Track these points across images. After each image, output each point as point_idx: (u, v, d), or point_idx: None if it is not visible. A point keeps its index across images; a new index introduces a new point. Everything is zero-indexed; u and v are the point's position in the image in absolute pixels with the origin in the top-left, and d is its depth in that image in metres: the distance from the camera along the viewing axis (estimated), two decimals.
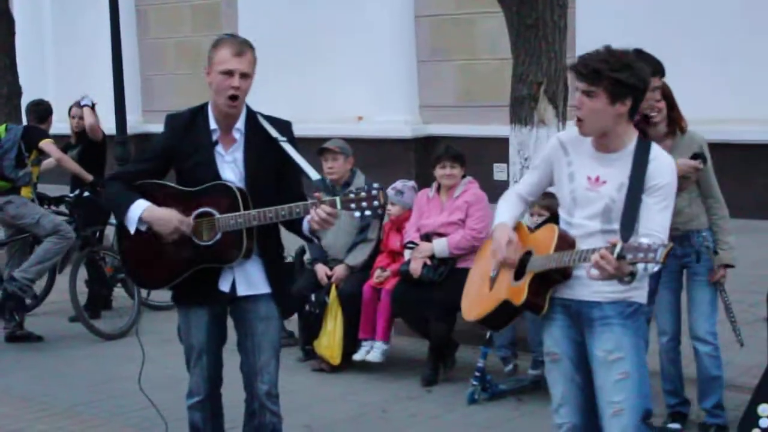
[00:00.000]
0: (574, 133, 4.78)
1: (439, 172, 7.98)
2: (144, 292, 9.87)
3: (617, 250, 4.26)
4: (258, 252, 5.23)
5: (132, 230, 5.14)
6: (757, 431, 6.18)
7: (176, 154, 5.22)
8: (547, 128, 8.36)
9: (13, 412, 7.49)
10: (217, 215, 5.09)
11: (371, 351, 8.08)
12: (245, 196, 5.11)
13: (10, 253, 9.88)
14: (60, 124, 10.92)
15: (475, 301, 5.11)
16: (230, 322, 5.46)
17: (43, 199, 9.96)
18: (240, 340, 5.39)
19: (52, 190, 10.65)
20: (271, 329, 5.33)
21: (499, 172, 14.14)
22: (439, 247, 7.81)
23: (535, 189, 5.04)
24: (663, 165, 4.62)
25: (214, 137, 5.19)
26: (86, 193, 10.04)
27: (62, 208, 10.17)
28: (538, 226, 5.11)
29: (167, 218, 5.09)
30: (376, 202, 4.87)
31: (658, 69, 6.26)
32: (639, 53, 6.22)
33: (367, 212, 4.90)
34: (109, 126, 12.73)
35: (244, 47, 5.10)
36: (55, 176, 11.42)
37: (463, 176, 8.02)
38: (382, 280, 8.08)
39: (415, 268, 7.79)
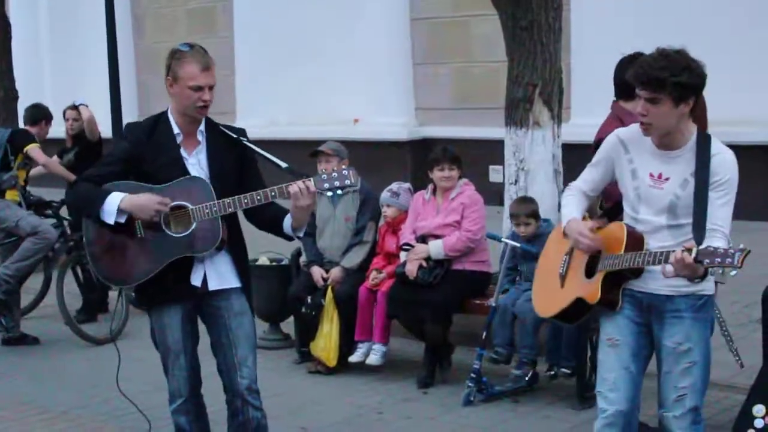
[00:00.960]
0: (632, 130, 4.90)
1: (437, 174, 7.97)
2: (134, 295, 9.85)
3: (694, 254, 4.39)
4: (227, 247, 5.30)
5: (111, 222, 5.16)
6: None
7: (141, 159, 5.27)
8: (542, 130, 8.37)
9: (12, 415, 7.48)
10: (191, 207, 5.14)
11: (371, 354, 8.08)
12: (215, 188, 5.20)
13: (2, 256, 9.86)
14: (56, 127, 10.91)
15: (549, 298, 5.23)
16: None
17: (32, 203, 9.94)
18: (215, 339, 5.41)
19: (51, 194, 10.62)
20: (246, 323, 5.37)
21: (494, 173, 14.15)
22: (435, 248, 7.81)
23: (597, 185, 5.15)
24: (725, 160, 4.74)
25: (178, 140, 5.28)
26: None
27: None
28: (605, 217, 5.19)
29: (146, 203, 5.13)
30: (347, 181, 5.05)
31: None
32: (639, 56, 6.20)
33: (339, 191, 5.10)
34: (105, 129, 12.73)
35: (208, 59, 5.21)
36: (52, 180, 11.38)
37: (459, 178, 8.02)
38: (377, 281, 8.07)
39: (411, 269, 7.78)
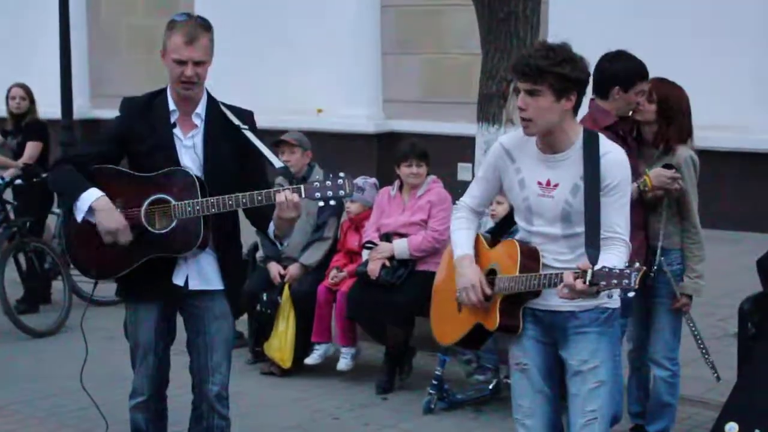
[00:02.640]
0: (516, 136, 4.81)
1: (404, 170, 7.96)
2: (89, 288, 9.83)
3: (588, 277, 4.32)
4: (212, 246, 5.22)
5: (79, 219, 5.12)
6: None
7: (132, 137, 5.20)
8: (515, 127, 8.32)
9: None
10: (174, 202, 5.06)
11: (340, 359, 8.07)
12: (203, 184, 5.09)
13: None
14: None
15: (448, 324, 5.15)
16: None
17: None
18: (191, 339, 5.38)
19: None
20: (225, 328, 5.33)
21: (463, 171, 14.16)
22: (399, 248, 7.80)
23: (485, 200, 5.09)
24: (614, 161, 4.64)
25: (173, 118, 5.18)
26: (18, 181, 9.97)
27: None
28: (496, 230, 5.17)
29: (115, 218, 5.06)
30: (341, 192, 4.86)
31: (641, 71, 6.23)
32: (621, 54, 6.23)
33: (332, 201, 4.93)
34: (54, 110, 12.66)
35: (197, 32, 5.06)
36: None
37: (427, 175, 8.01)
38: (337, 281, 8.06)
39: (373, 269, 7.78)
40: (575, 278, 4.35)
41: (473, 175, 8.72)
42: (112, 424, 6.04)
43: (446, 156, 13.62)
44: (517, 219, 4.88)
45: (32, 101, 10.62)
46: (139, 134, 5.19)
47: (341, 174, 4.92)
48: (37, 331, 9.32)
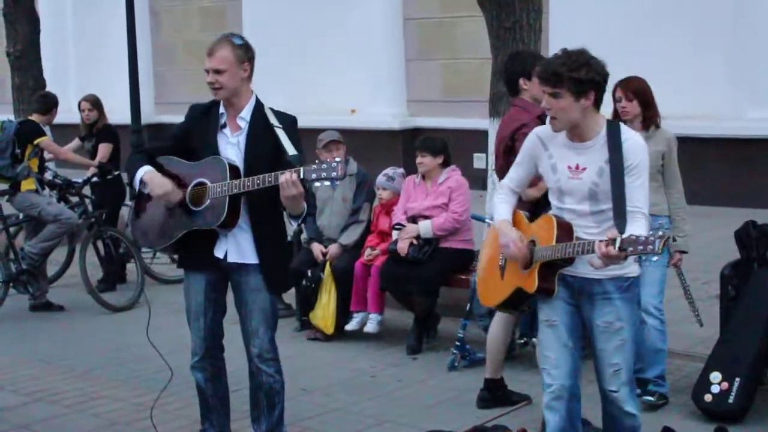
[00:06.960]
0: (549, 128, 4.84)
1: (416, 161, 8.04)
2: (159, 269, 10.09)
3: (617, 243, 4.35)
4: (249, 223, 5.30)
5: (136, 189, 5.32)
6: (708, 396, 6.24)
7: (189, 136, 5.39)
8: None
9: (37, 374, 7.50)
10: (209, 184, 5.19)
11: (368, 323, 8.10)
12: (236, 170, 5.20)
13: (27, 230, 9.85)
14: (75, 114, 10.91)
15: (491, 289, 5.21)
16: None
17: (54, 186, 9.85)
18: (237, 310, 5.47)
19: (78, 174, 10.56)
20: (260, 299, 5.37)
21: (478, 161, 14.16)
22: (424, 228, 7.82)
23: (523, 182, 5.12)
24: (634, 145, 4.70)
25: (222, 120, 5.34)
26: (94, 179, 10.04)
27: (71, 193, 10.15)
28: (533, 210, 5.24)
29: (161, 184, 5.22)
30: (334, 173, 4.88)
31: (532, 61, 6.32)
32: (515, 54, 6.30)
33: (326, 182, 4.94)
34: (124, 116, 12.73)
35: (216, 46, 5.26)
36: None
37: (447, 164, 8.03)
38: (371, 257, 8.08)
39: (402, 247, 7.80)
40: (606, 245, 4.39)
41: (487, 164, 8.75)
42: (179, 384, 6.09)
43: (463, 148, 13.61)
44: (550, 199, 4.94)
45: (100, 110, 10.62)
46: (195, 134, 5.37)
47: (337, 159, 4.97)
48: (115, 306, 9.39)
